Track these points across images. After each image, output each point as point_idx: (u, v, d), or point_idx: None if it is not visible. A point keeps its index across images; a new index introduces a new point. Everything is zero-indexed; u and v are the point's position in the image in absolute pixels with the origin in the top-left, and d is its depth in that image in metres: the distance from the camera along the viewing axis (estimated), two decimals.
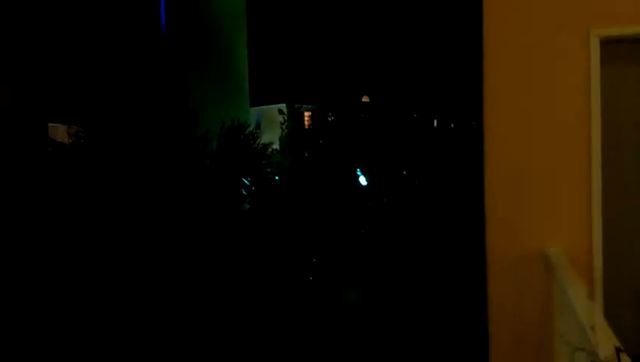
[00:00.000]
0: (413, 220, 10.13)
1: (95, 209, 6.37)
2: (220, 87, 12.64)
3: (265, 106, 25.77)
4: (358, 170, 13.73)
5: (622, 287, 3.76)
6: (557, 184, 3.92)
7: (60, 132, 8.11)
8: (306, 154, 16.65)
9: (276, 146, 19.57)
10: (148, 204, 6.71)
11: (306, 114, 26.92)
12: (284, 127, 22.75)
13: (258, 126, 21.61)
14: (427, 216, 9.95)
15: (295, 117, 23.57)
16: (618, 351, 1.65)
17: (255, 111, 21.86)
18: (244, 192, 8.19)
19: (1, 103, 7.08)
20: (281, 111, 23.54)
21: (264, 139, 13.61)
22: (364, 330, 8.25)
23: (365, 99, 22.71)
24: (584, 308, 2.10)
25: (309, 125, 26.56)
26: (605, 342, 1.71)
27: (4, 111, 7.15)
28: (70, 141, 7.00)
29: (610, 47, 3.76)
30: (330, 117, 22.17)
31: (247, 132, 8.17)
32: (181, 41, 11.32)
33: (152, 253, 6.49)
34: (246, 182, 8.18)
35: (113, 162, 6.73)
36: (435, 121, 12.95)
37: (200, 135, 7.49)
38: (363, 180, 12.89)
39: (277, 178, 11.43)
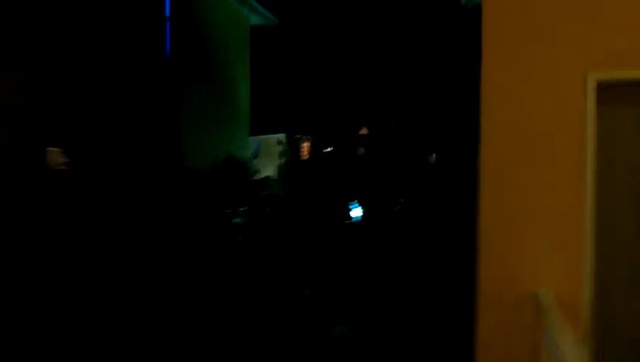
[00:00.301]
0: (405, 254, 10.09)
1: (87, 237, 6.36)
2: (221, 114, 12.70)
3: (264, 136, 25.85)
4: (355, 202, 13.74)
5: (613, 335, 3.73)
6: (550, 225, 3.91)
7: (56, 156, 8.11)
8: (303, 184, 16.66)
9: (273, 174, 19.59)
10: (137, 230, 6.70)
11: (305, 144, 27.03)
12: (281, 157, 22.82)
13: (256, 155, 21.65)
14: (419, 251, 9.92)
15: (293, 147, 23.66)
16: None
17: (254, 140, 21.91)
18: (238, 221, 8.19)
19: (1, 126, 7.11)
20: (279, 142, 23.63)
21: (261, 167, 13.63)
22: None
23: (363, 131, 22.83)
24: (572, 357, 2.07)
25: (307, 156, 26.65)
26: None
27: (4, 133, 7.18)
28: (64, 166, 7.01)
29: (607, 90, 3.80)
30: (327, 148, 22.23)
31: (242, 163, 8.24)
32: (185, 66, 11.42)
33: (140, 282, 6.45)
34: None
35: (106, 189, 6.74)
36: (433, 156, 13.01)
37: (195, 162, 7.52)
38: (358, 212, 12.88)
39: (270, 208, 11.42)
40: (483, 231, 4.05)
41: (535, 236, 3.94)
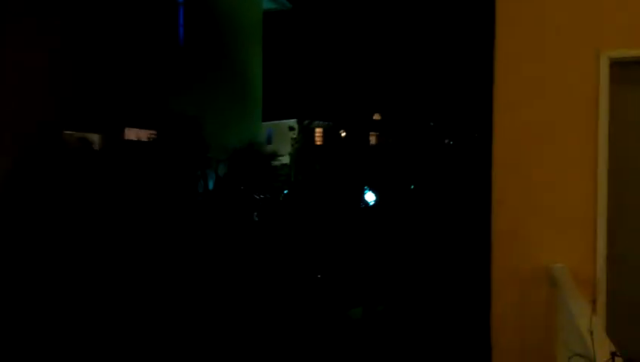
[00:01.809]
0: (420, 234, 10.15)
1: (111, 215, 6.48)
2: (235, 100, 12.78)
3: (277, 121, 25.91)
4: (367, 187, 13.78)
5: (624, 304, 3.78)
6: (563, 201, 3.97)
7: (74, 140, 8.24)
8: (317, 168, 16.73)
9: (286, 160, 19.68)
10: (159, 211, 6.81)
11: (317, 130, 27.09)
12: (294, 142, 22.88)
13: (269, 140, 21.76)
14: (434, 231, 9.97)
15: (306, 132, 23.70)
16: (613, 355, 1.69)
17: (266, 125, 21.99)
18: (256, 198, 8.27)
19: (19, 111, 7.22)
20: (291, 128, 23.69)
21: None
22: (369, 346, 8.25)
23: (377, 117, 22.84)
24: (583, 317, 2.15)
25: (319, 141, 26.73)
26: (601, 347, 1.75)
27: (24, 118, 7.30)
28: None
29: (621, 68, 3.83)
30: (341, 133, 22.25)
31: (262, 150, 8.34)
32: (198, 53, 11.49)
33: (159, 264, 6.57)
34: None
35: (129, 169, 6.86)
36: (446, 139, 13.02)
37: (211, 147, 7.62)
38: (372, 196, 12.94)
39: (286, 191, 11.51)
40: (496, 208, 4.11)
41: (549, 213, 4.00)
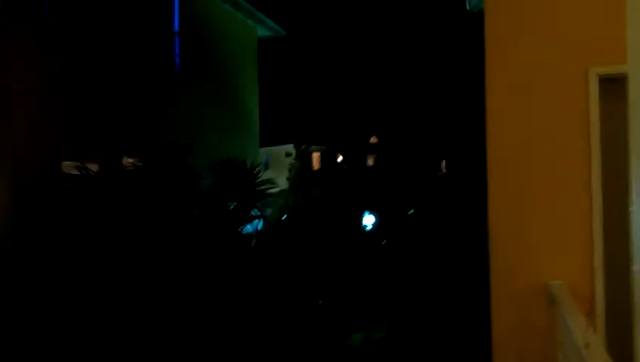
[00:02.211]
0: (419, 257, 10.13)
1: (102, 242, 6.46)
2: (231, 126, 12.85)
3: (273, 147, 26.02)
4: (366, 211, 13.77)
5: (623, 317, 3.77)
6: (559, 218, 3.98)
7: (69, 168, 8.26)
8: (314, 193, 16.72)
9: (283, 186, 19.67)
10: (149, 238, 6.79)
11: (314, 155, 27.18)
12: (291, 167, 22.92)
13: (267, 166, 21.80)
14: (433, 252, 9.95)
15: (303, 157, 23.77)
16: None
17: (263, 151, 22.04)
18: (249, 228, 8.23)
19: (19, 141, 7.27)
20: (288, 154, 23.79)
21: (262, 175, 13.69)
22: None
23: (373, 140, 22.95)
24: (580, 331, 2.15)
25: (317, 166, 26.79)
26: (597, 358, 1.75)
27: (23, 148, 7.35)
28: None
29: (610, 84, 3.87)
30: (338, 157, 22.32)
31: (249, 168, 8.29)
32: (194, 80, 11.59)
33: (150, 293, 6.53)
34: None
35: (121, 197, 6.86)
36: (442, 162, 13.07)
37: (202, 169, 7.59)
38: (371, 219, 12.92)
39: (284, 217, 11.49)
40: (493, 229, 4.13)
41: (545, 230, 4.01)
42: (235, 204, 7.72)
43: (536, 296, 3.86)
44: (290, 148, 24.35)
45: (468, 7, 10.10)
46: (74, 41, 8.68)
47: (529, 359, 3.81)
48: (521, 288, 3.99)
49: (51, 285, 6.23)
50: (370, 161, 21.95)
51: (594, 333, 2.65)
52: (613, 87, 3.87)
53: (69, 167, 7.62)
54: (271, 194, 9.94)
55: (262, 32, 14.61)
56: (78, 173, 7.14)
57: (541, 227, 4.04)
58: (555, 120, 3.96)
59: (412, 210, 11.79)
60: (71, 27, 8.65)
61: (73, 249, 6.28)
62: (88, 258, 6.22)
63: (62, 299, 6.18)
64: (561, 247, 3.96)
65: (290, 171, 21.29)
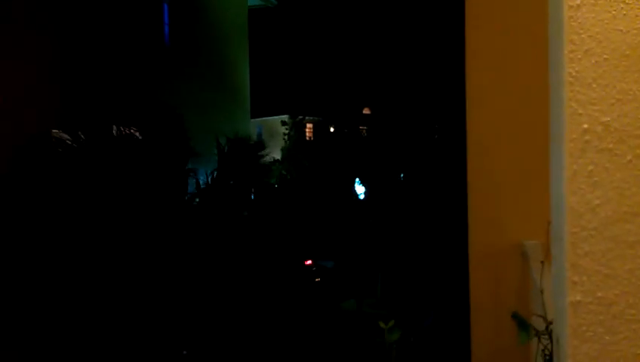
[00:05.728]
0: (406, 224, 10.28)
1: (100, 212, 6.52)
2: (222, 98, 12.82)
3: (266, 118, 25.98)
4: (357, 179, 13.90)
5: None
6: (533, 184, 4.07)
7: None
8: (306, 164, 16.84)
9: (277, 156, 19.76)
10: (149, 210, 6.86)
11: (308, 125, 27.17)
12: (286, 138, 23.00)
13: (259, 137, 21.79)
14: (419, 219, 10.10)
15: (298, 128, 23.81)
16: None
17: (256, 122, 22.03)
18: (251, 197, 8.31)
19: (7, 110, 7.28)
20: (284, 123, 23.77)
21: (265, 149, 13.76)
22: (362, 336, 8.35)
23: (366, 111, 22.96)
24: (543, 280, 2.24)
25: (310, 137, 26.83)
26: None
27: (11, 116, 7.36)
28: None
29: None
30: (332, 128, 22.36)
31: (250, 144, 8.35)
32: (183, 51, 11.55)
33: (152, 260, 6.62)
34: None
35: (117, 167, 6.91)
36: (429, 131, 13.15)
37: (196, 146, 7.63)
38: (361, 188, 13.06)
39: (277, 186, 11.60)
40: (472, 194, 4.20)
41: (520, 194, 4.10)
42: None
43: (511, 253, 3.97)
44: (284, 118, 24.35)
45: None
46: (63, 10, 8.65)
47: (503, 309, 3.93)
48: (498, 246, 4.09)
49: (39, 254, 6.28)
50: (363, 132, 22.02)
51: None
52: None
53: (58, 135, 7.66)
54: (270, 167, 10.02)
55: (252, 1, 14.51)
56: (68, 140, 7.17)
57: (517, 192, 4.13)
58: (532, 86, 4.01)
59: (402, 175, 11.92)
60: None
61: (63, 215, 6.34)
62: (79, 223, 6.29)
63: (47, 267, 6.24)
64: (536, 209, 4.05)
65: (286, 142, 21.32)
